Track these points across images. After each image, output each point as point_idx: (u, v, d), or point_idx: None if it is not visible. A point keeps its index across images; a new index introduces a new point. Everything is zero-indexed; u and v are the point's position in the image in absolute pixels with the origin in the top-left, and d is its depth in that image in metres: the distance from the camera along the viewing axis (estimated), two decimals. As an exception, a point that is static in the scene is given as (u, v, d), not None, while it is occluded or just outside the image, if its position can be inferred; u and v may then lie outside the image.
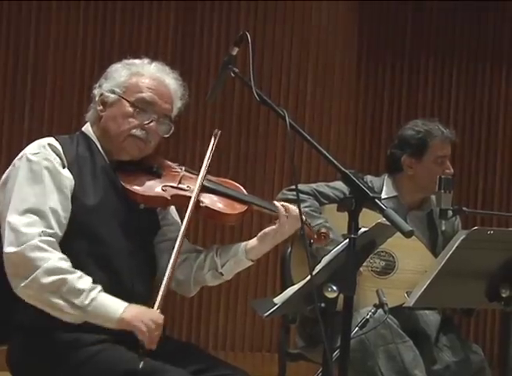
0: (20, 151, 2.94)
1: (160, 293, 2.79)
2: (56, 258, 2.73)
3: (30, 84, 6.43)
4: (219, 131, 3.05)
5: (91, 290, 2.73)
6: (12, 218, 2.76)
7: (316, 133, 6.40)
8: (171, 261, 2.83)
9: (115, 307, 2.75)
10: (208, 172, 3.03)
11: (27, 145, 2.95)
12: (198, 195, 2.93)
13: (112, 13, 6.52)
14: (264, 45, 6.60)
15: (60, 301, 2.72)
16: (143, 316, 2.73)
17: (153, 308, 2.77)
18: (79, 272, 2.74)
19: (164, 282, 2.80)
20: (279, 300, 2.77)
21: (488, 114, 6.88)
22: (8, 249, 2.74)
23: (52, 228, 2.77)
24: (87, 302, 2.72)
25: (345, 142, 6.64)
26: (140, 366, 2.68)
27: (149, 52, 6.47)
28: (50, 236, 2.76)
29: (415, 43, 6.83)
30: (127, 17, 6.52)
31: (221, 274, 3.03)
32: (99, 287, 2.75)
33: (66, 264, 2.74)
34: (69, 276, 2.72)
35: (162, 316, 2.76)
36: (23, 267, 2.72)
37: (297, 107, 6.55)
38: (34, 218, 2.75)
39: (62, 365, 2.77)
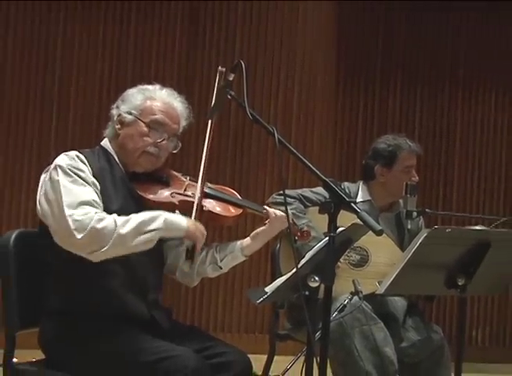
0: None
1: (196, 201, 2.93)
2: (115, 215, 2.78)
3: (57, 84, 6.30)
4: (224, 69, 3.05)
5: (156, 216, 2.83)
6: (70, 211, 2.75)
7: (302, 134, 6.37)
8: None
9: (180, 221, 2.88)
10: (209, 181, 3.06)
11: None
12: (201, 199, 2.97)
13: (128, 13, 6.36)
14: (257, 46, 6.51)
15: (145, 236, 2.79)
16: (198, 229, 2.88)
17: None
18: (135, 214, 2.82)
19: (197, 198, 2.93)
20: (269, 289, 2.78)
21: (447, 126, 6.90)
22: (79, 236, 2.73)
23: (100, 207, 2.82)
24: (161, 222, 2.82)
25: (326, 143, 6.61)
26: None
27: (160, 52, 6.42)
28: (103, 212, 2.80)
29: (386, 49, 6.84)
30: (140, 17, 6.37)
31: (220, 268, 3.06)
32: (158, 211, 2.86)
33: (124, 217, 2.80)
34: (134, 217, 2.80)
35: (204, 228, 2.90)
36: (100, 237, 2.74)
37: (286, 106, 6.48)
38: (87, 208, 2.77)
39: (87, 345, 2.79)
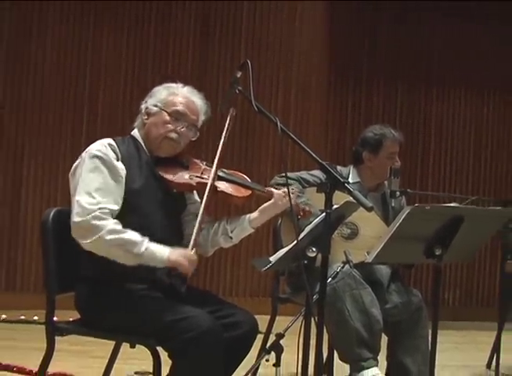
0: (81, 147, 2.96)
1: (193, 237, 2.81)
2: (112, 223, 2.75)
3: (88, 86, 6.20)
4: (235, 112, 2.99)
5: (143, 241, 2.75)
6: (80, 197, 2.76)
7: (298, 135, 6.33)
8: (200, 214, 2.85)
9: (163, 251, 2.77)
10: (223, 166, 3.02)
11: (86, 142, 2.98)
12: (215, 180, 2.92)
13: (148, 13, 6.24)
14: (260, 46, 6.47)
15: (122, 252, 2.74)
16: (183, 256, 2.76)
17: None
18: (129, 230, 2.76)
19: (195, 229, 2.82)
20: (273, 258, 2.76)
21: (423, 120, 6.89)
22: (75, 219, 2.74)
23: (109, 204, 2.78)
24: (143, 250, 2.74)
25: (319, 143, 6.58)
26: (183, 290, 2.82)
27: (176, 52, 6.32)
28: (107, 209, 2.77)
29: (372, 49, 6.77)
30: (159, 18, 6.27)
31: (231, 238, 3.03)
32: (147, 238, 2.77)
33: (120, 226, 2.76)
34: (125, 234, 2.74)
35: (195, 255, 2.79)
36: (89, 231, 2.73)
37: (284, 108, 6.43)
38: (97, 198, 2.76)
39: (116, 307, 2.79)
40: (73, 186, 2.83)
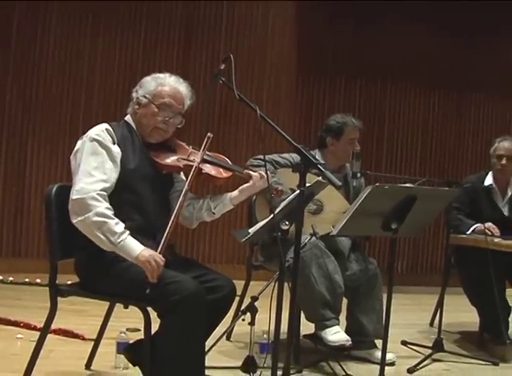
0: (78, 131, 2.91)
1: (162, 241, 2.65)
2: (104, 207, 2.66)
3: (85, 77, 6.06)
4: (211, 136, 2.92)
5: (122, 233, 2.64)
6: (80, 177, 2.70)
7: (270, 112, 6.21)
8: (172, 217, 2.71)
9: (135, 248, 2.64)
10: (200, 146, 2.95)
11: (83, 127, 2.93)
12: (200, 163, 2.88)
13: (139, 13, 6.12)
14: (237, 44, 6.36)
15: (101, 236, 2.65)
16: (151, 258, 2.61)
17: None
18: (117, 220, 2.66)
19: (166, 233, 2.67)
20: (252, 230, 2.73)
21: (379, 114, 6.89)
22: (74, 196, 2.68)
23: (106, 183, 2.71)
24: (118, 241, 2.64)
25: (288, 120, 6.52)
26: (147, 291, 2.59)
27: (162, 51, 6.16)
28: (104, 190, 2.70)
29: (336, 49, 6.69)
30: (149, 17, 6.15)
31: (214, 213, 3.00)
32: (128, 232, 2.66)
33: (110, 212, 2.66)
34: (110, 221, 2.64)
35: (163, 259, 2.63)
36: (81, 209, 2.66)
37: (257, 93, 6.33)
38: (96, 176, 2.70)
39: (109, 272, 2.75)
40: (75, 166, 2.77)
